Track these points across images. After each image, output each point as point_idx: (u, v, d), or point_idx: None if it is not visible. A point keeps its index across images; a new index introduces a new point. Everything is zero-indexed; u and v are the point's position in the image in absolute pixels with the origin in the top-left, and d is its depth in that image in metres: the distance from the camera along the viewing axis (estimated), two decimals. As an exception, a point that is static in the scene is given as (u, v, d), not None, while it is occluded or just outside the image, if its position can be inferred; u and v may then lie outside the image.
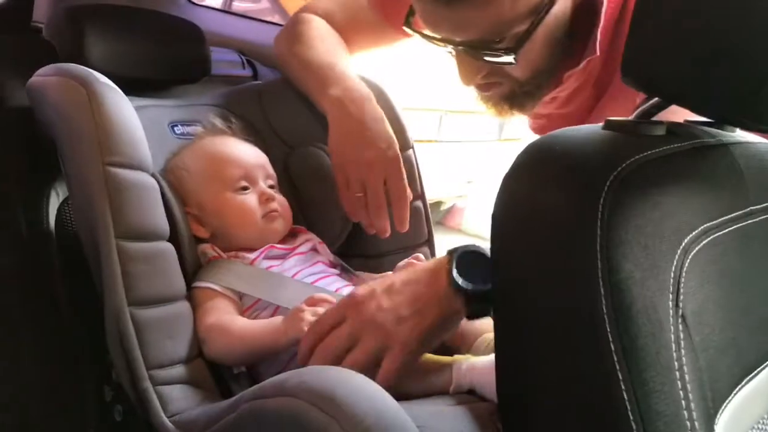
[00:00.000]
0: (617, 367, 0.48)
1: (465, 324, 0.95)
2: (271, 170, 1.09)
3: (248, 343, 0.91)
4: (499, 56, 0.83)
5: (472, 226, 3.85)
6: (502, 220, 0.58)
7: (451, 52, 0.89)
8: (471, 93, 0.97)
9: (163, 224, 0.95)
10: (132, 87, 1.08)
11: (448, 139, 3.48)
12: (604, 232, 0.50)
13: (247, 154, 1.07)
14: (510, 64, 0.84)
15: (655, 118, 0.61)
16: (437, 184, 3.48)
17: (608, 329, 0.49)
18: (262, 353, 0.91)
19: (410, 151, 1.18)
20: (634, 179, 0.53)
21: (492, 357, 0.79)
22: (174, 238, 0.97)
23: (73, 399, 1.04)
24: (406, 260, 1.05)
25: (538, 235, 0.54)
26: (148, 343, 0.88)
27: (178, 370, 0.90)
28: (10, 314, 0.99)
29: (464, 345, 0.96)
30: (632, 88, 0.59)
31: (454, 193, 3.79)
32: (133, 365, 0.88)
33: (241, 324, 0.92)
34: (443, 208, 3.93)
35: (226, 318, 0.93)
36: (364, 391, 0.68)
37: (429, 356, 0.87)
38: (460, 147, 3.60)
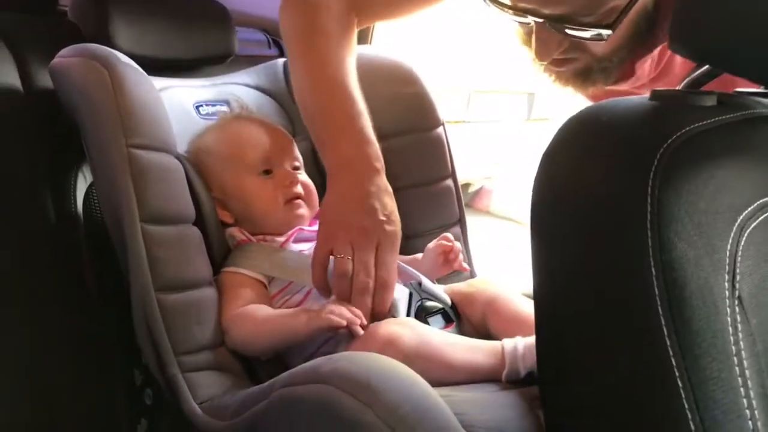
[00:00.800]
0: (670, 353, 0.45)
1: (522, 309, 0.92)
2: (295, 152, 1.06)
3: (270, 335, 0.89)
4: (587, 31, 0.79)
5: (501, 208, 3.81)
6: (543, 197, 0.55)
7: (531, 24, 0.84)
8: (535, 70, 0.93)
9: (188, 207, 0.93)
10: (157, 68, 1.07)
11: (476, 120, 3.43)
12: (654, 208, 0.47)
13: (270, 136, 1.04)
14: (600, 39, 0.80)
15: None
16: (465, 166, 3.44)
17: (660, 312, 0.45)
18: (284, 344, 0.89)
19: (440, 129, 1.15)
20: (685, 152, 0.50)
21: None
22: (200, 221, 0.95)
23: (103, 383, 1.03)
24: (435, 241, 1.03)
25: (583, 212, 0.51)
26: (175, 329, 0.87)
27: (207, 356, 0.89)
28: (39, 299, 0.99)
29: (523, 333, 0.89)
30: (681, 56, 0.56)
31: (482, 175, 3.75)
32: (161, 351, 0.86)
33: (264, 315, 0.90)
34: (471, 190, 3.89)
35: (249, 308, 0.91)
36: (400, 377, 0.66)
37: (475, 340, 0.85)
38: (489, 127, 3.55)
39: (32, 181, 1.00)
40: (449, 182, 1.17)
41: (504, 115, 3.65)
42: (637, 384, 0.47)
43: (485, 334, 0.94)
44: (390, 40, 1.20)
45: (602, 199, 0.50)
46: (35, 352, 0.97)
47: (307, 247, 0.98)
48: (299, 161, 1.05)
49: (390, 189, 0.92)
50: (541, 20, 0.80)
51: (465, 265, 1.03)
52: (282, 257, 0.96)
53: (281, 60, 1.24)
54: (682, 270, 0.46)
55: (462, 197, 1.20)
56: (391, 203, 0.91)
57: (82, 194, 1.04)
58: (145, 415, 1.04)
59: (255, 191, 0.99)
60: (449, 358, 0.79)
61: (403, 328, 0.83)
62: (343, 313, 0.82)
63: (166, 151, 0.92)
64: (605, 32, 0.78)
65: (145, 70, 0.95)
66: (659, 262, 0.46)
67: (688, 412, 0.45)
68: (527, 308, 0.91)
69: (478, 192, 3.96)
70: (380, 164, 0.92)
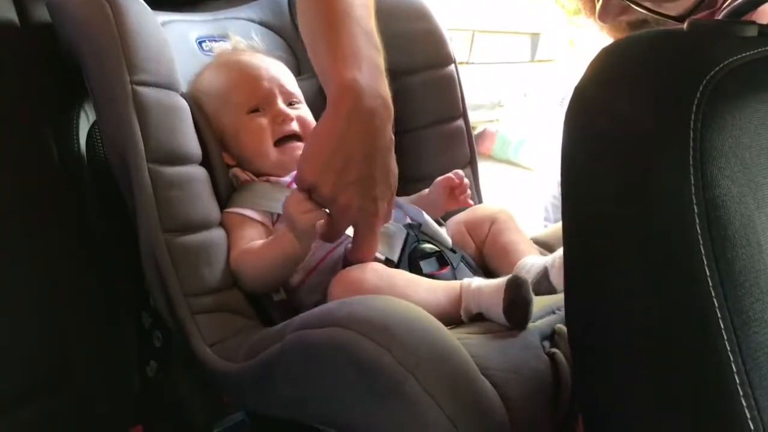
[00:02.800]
0: (712, 293, 0.43)
1: (506, 245, 0.94)
2: (292, 87, 1.01)
3: (269, 261, 0.87)
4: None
5: (503, 152, 3.78)
6: (574, 135, 0.53)
7: None
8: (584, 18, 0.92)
9: (195, 147, 0.91)
10: (160, 3, 1.02)
11: (479, 61, 3.37)
12: (697, 143, 0.44)
13: (264, 71, 0.99)
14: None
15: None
16: (467, 109, 3.40)
17: (703, 252, 0.43)
18: (285, 270, 0.88)
19: (452, 66, 1.13)
20: (728, 84, 0.47)
21: (499, 281, 0.77)
22: (206, 161, 0.93)
23: (111, 325, 1.03)
24: (442, 177, 1.01)
25: (619, 150, 0.49)
26: (184, 271, 0.85)
27: (217, 298, 0.87)
28: (42, 241, 0.97)
29: (502, 268, 0.94)
30: None
31: (485, 118, 3.70)
32: (170, 293, 0.85)
33: (259, 245, 0.89)
34: (474, 133, 3.85)
35: (249, 244, 0.90)
36: (417, 320, 0.65)
37: (434, 281, 0.85)
38: (492, 69, 3.48)
39: (32, 120, 0.97)
40: (460, 122, 1.14)
41: (507, 56, 3.58)
42: (676, 325, 0.46)
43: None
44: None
45: (640, 134, 0.48)
46: (41, 296, 0.96)
47: None
48: (297, 97, 1.01)
49: (392, 145, 0.82)
50: None
51: (470, 202, 1.02)
52: (285, 195, 0.93)
53: None
54: (725, 208, 0.44)
55: (473, 139, 1.17)
56: (393, 162, 0.82)
57: (85, 133, 1.01)
58: (155, 357, 1.04)
59: (244, 131, 0.96)
60: (410, 299, 0.76)
61: (366, 273, 0.83)
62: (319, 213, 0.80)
63: (171, 88, 0.89)
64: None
65: (149, 3, 0.91)
66: (702, 199, 0.44)
67: (730, 354, 0.43)
68: (518, 241, 0.95)
69: (480, 135, 3.92)
70: (391, 109, 0.81)
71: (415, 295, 0.79)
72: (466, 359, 0.65)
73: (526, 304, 0.73)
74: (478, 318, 0.79)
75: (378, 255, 0.88)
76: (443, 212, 1.02)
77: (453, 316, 0.80)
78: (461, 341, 0.68)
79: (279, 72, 1.01)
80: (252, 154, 0.96)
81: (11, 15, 0.96)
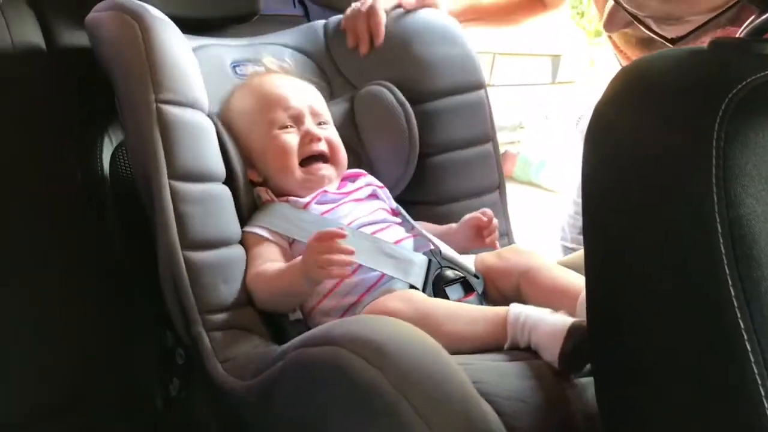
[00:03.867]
0: (738, 315, 0.42)
1: (562, 278, 0.87)
2: (321, 108, 1.02)
3: (278, 289, 0.88)
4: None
5: (524, 173, 3.76)
6: (595, 154, 0.52)
7: None
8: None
9: (218, 166, 0.92)
10: (190, 28, 1.04)
11: (500, 83, 3.37)
12: (720, 161, 0.44)
13: (295, 90, 1.01)
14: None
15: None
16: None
17: (727, 272, 0.42)
18: (294, 297, 0.89)
19: (483, 91, 1.13)
20: (751, 103, 0.46)
21: (557, 317, 0.74)
22: (231, 180, 0.94)
23: (135, 343, 1.03)
24: (471, 214, 1.00)
25: (641, 169, 0.48)
26: (201, 287, 0.86)
27: (232, 315, 0.88)
28: (67, 263, 0.98)
29: (562, 305, 0.81)
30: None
31: (506, 139, 3.70)
32: (186, 309, 0.86)
33: (272, 271, 0.89)
34: (495, 154, 3.84)
35: (264, 266, 0.90)
36: (413, 342, 0.64)
37: (478, 306, 0.82)
38: (513, 91, 3.49)
39: (56, 142, 0.99)
40: (489, 146, 1.14)
41: (528, 78, 3.58)
42: (699, 349, 0.45)
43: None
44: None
45: (662, 153, 0.47)
46: (64, 316, 0.97)
47: (329, 209, 0.97)
48: (326, 118, 1.02)
49: None
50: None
51: (497, 244, 1.00)
52: (301, 218, 0.95)
53: (321, 21, 1.22)
54: (749, 227, 0.43)
55: (502, 163, 1.17)
56: None
57: (109, 156, 1.03)
58: (178, 375, 1.04)
59: (272, 147, 0.97)
60: (450, 330, 0.76)
61: (403, 303, 0.82)
62: (332, 260, 0.81)
63: (196, 107, 0.91)
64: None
65: (183, 29, 0.94)
66: (725, 218, 0.43)
67: (757, 377, 0.42)
68: (566, 277, 0.87)
69: (501, 157, 3.91)
70: None
71: (453, 327, 0.77)
72: (464, 384, 0.63)
73: (586, 354, 0.68)
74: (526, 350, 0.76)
75: (399, 279, 0.88)
76: (468, 251, 1.00)
77: (494, 347, 0.77)
78: (464, 366, 0.66)
79: (309, 93, 1.03)
80: (278, 170, 0.98)
81: (38, 39, 0.99)
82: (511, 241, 1.14)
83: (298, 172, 0.97)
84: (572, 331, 0.71)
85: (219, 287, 0.87)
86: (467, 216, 1.01)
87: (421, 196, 1.12)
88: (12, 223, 0.95)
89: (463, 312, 0.81)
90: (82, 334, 0.99)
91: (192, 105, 0.90)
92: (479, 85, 1.13)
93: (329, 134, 1.00)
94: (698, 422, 0.46)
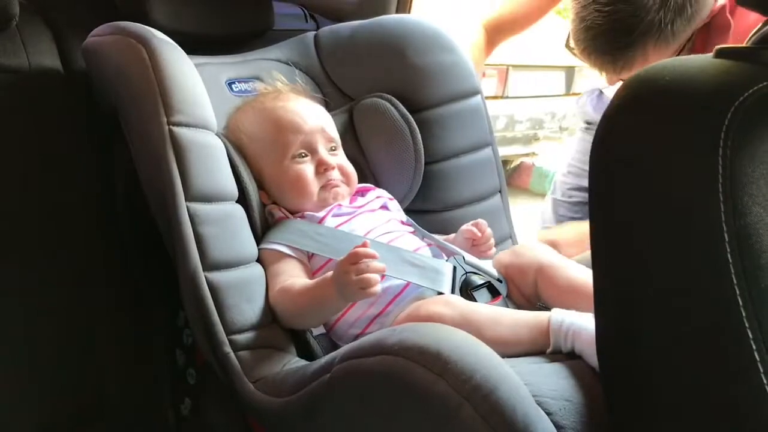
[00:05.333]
0: (746, 325, 0.42)
1: (577, 277, 0.89)
2: (332, 132, 1.03)
3: (307, 305, 0.87)
4: None
5: (540, 185, 3.74)
6: (603, 161, 0.52)
7: None
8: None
9: (231, 185, 0.92)
10: (194, 44, 1.05)
11: (514, 95, 3.37)
12: (726, 170, 0.43)
13: (307, 116, 1.01)
14: None
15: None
16: (504, 142, 3.39)
17: (735, 281, 0.42)
18: (324, 313, 0.88)
19: (479, 96, 1.13)
20: (757, 111, 0.46)
21: None
22: (242, 198, 0.94)
23: (146, 364, 1.04)
24: (467, 226, 1.01)
25: (647, 177, 0.48)
26: (226, 308, 0.86)
27: (259, 334, 0.87)
28: (85, 281, 0.99)
29: (579, 304, 0.84)
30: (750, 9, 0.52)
31: (521, 151, 3.69)
32: (212, 331, 0.85)
33: (299, 288, 0.88)
34: (510, 167, 3.83)
35: (288, 282, 0.90)
36: (470, 347, 0.65)
37: (519, 311, 0.83)
38: (527, 103, 3.48)
39: (74, 161, 1.00)
40: (488, 151, 1.14)
41: (543, 89, 3.57)
42: (708, 360, 0.44)
43: (536, 303, 0.93)
44: (428, 10, 1.18)
45: (668, 162, 0.47)
46: (80, 334, 0.98)
47: (344, 221, 0.97)
48: (336, 141, 1.03)
49: None
50: None
51: (490, 253, 1.01)
52: (318, 233, 0.95)
53: (311, 33, 1.22)
54: (757, 236, 0.43)
55: (502, 167, 1.18)
56: None
57: (124, 175, 1.04)
58: (189, 395, 1.04)
59: (288, 175, 0.98)
60: (492, 335, 0.77)
61: (445, 307, 0.82)
62: (370, 280, 0.80)
63: (207, 128, 0.91)
64: None
65: (182, 47, 0.93)
66: (733, 226, 0.43)
67: (767, 387, 0.41)
68: (581, 274, 0.89)
69: (517, 169, 3.90)
70: None
71: (496, 332, 0.78)
72: (520, 386, 0.64)
73: None
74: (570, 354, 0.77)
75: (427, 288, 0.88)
76: None
77: (536, 352, 0.78)
78: (513, 368, 0.67)
79: (321, 117, 1.03)
80: (295, 196, 0.98)
81: (54, 61, 1.00)
82: (514, 243, 1.16)
83: (316, 196, 0.98)
84: None
85: (243, 307, 0.87)
86: (463, 227, 1.02)
87: (424, 204, 1.13)
88: (30, 242, 0.95)
89: (506, 317, 0.82)
90: (100, 349, 1.00)
91: (203, 126, 0.90)
92: (475, 91, 1.13)
93: (341, 161, 1.02)
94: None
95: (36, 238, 0.96)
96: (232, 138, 1.00)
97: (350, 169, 1.02)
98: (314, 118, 1.01)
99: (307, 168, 0.98)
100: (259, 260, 0.93)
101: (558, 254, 0.95)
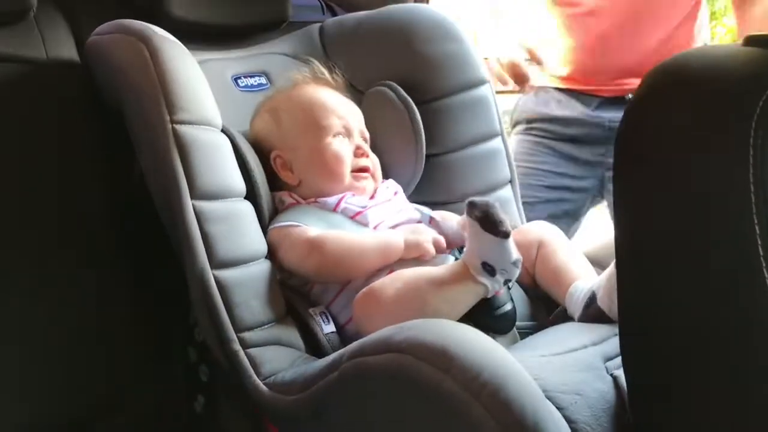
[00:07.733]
0: None
1: (556, 268, 0.93)
2: (366, 131, 1.05)
3: (364, 245, 0.90)
4: None
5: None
6: (629, 149, 0.51)
7: None
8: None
9: (238, 181, 0.91)
10: (209, 35, 1.05)
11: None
12: (758, 162, 0.42)
13: (349, 106, 1.05)
14: None
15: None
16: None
17: (766, 275, 0.40)
18: (378, 254, 0.90)
19: (486, 86, 1.12)
20: None
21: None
22: (251, 194, 0.93)
23: (159, 362, 1.03)
24: (461, 219, 0.98)
25: (675, 169, 0.46)
26: (234, 305, 0.85)
27: (268, 331, 0.87)
28: (99, 278, 0.98)
29: (554, 292, 0.93)
30: None
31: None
32: (221, 328, 0.85)
33: (353, 235, 0.92)
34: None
35: (316, 232, 0.91)
36: (477, 344, 0.64)
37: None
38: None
39: (90, 155, 0.99)
40: (498, 141, 1.13)
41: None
42: (733, 338, 0.42)
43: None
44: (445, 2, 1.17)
45: (696, 151, 0.45)
46: (97, 328, 0.98)
47: (360, 212, 0.97)
48: (368, 138, 1.05)
49: None
50: None
51: None
52: (331, 220, 0.95)
53: (316, 25, 1.21)
54: None
55: (512, 157, 1.16)
56: None
57: (135, 177, 1.03)
58: (202, 392, 1.03)
59: (326, 151, 0.99)
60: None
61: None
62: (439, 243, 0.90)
63: (211, 125, 0.90)
64: None
65: (197, 38, 0.93)
66: (764, 220, 0.41)
67: None
68: (567, 264, 0.92)
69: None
70: None
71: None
72: (530, 381, 0.63)
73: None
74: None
75: None
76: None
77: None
78: (520, 362, 0.66)
79: (357, 111, 1.06)
80: (328, 174, 0.99)
81: (72, 53, 1.00)
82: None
83: (348, 178, 0.99)
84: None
85: (251, 304, 0.87)
86: (459, 219, 0.99)
87: (434, 196, 1.12)
88: (41, 240, 0.95)
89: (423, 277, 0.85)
90: (110, 348, 0.99)
91: (207, 123, 0.89)
92: (483, 81, 1.12)
93: (373, 156, 1.04)
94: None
95: (56, 231, 0.96)
96: (267, 117, 1.02)
97: (377, 165, 1.04)
98: (352, 109, 1.05)
99: (346, 148, 1.00)
100: (269, 243, 0.92)
101: (560, 233, 0.98)
